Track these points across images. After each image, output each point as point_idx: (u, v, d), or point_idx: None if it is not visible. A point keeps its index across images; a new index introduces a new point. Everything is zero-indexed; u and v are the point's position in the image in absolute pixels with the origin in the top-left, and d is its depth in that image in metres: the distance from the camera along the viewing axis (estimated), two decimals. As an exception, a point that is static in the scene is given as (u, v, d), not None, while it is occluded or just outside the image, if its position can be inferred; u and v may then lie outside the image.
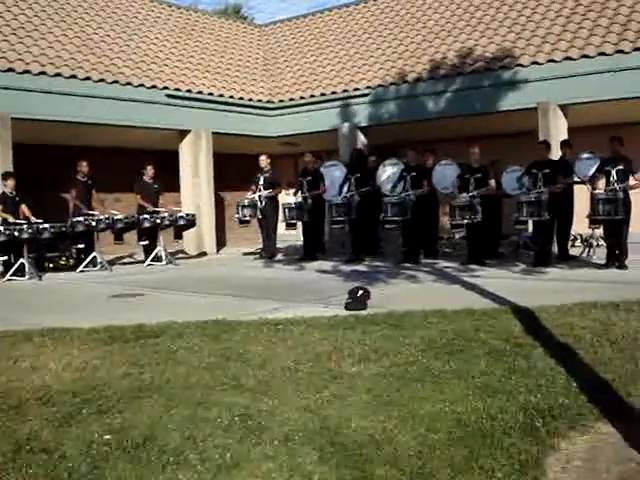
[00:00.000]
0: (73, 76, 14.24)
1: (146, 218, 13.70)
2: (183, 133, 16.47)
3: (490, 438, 3.63)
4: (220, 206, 18.63)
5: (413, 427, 3.81)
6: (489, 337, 5.84)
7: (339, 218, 13.30)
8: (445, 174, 13.16)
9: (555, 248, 12.10)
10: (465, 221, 11.87)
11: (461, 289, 9.08)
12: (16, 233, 11.81)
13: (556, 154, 12.47)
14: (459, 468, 3.29)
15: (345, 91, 16.73)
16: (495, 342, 5.66)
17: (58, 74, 14.02)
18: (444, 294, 8.67)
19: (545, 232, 11.51)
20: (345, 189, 13.43)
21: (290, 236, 16.30)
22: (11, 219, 12.16)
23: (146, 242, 14.10)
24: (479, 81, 14.60)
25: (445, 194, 13.34)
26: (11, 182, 12.47)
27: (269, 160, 14.81)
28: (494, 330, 6.09)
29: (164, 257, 13.90)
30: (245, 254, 16.05)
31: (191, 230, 15.14)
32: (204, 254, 16.34)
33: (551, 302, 7.28)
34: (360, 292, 7.75)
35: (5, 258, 12.13)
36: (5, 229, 11.83)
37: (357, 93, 16.45)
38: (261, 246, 15.30)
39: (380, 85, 16.16)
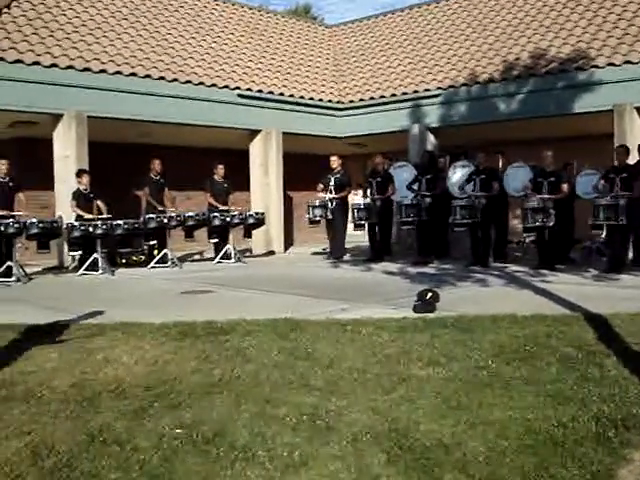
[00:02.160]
0: (147, 76, 14.54)
1: (216, 216, 13.90)
2: (254, 133, 16.63)
3: (561, 447, 3.55)
4: (288, 206, 18.73)
5: (483, 433, 3.76)
6: (561, 344, 5.73)
7: (409, 219, 13.24)
8: (516, 177, 13.01)
9: (630, 254, 11.79)
10: (537, 224, 11.68)
11: (531, 294, 8.92)
12: (90, 229, 12.12)
13: (633, 158, 12.14)
14: (529, 476, 3.23)
15: (415, 92, 16.64)
16: (567, 349, 5.54)
17: (133, 74, 14.33)
18: (514, 299, 8.54)
19: (620, 237, 11.24)
20: (414, 188, 13.37)
21: (357, 237, 16.30)
22: (86, 215, 12.46)
23: (216, 240, 14.30)
24: (553, 83, 14.35)
25: (516, 197, 13.17)
26: (85, 179, 12.78)
27: (340, 161, 14.81)
28: (566, 337, 5.97)
29: (233, 255, 14.06)
30: (313, 254, 16.09)
31: (260, 229, 15.28)
32: (272, 253, 16.47)
33: (625, 309, 7.11)
34: (429, 294, 7.69)
35: (80, 253, 12.44)
36: (80, 225, 12.14)
37: (428, 94, 16.34)
38: (329, 246, 15.33)
39: (451, 86, 16.03)
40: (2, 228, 11.12)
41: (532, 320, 6.73)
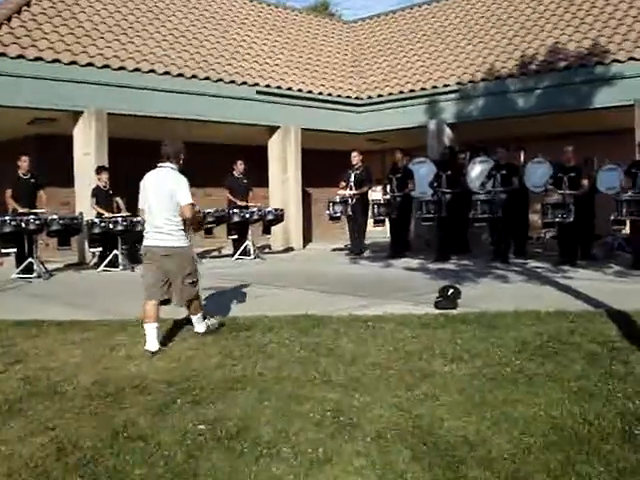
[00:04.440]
0: (166, 72, 14.56)
1: (236, 212, 13.92)
2: (272, 129, 16.62)
3: (587, 444, 3.54)
4: (307, 202, 18.72)
5: (507, 430, 3.75)
6: (584, 340, 5.70)
7: (429, 215, 13.19)
8: (537, 172, 12.93)
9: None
10: (557, 220, 11.61)
11: (553, 290, 8.87)
12: (111, 226, 12.17)
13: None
14: (555, 473, 3.23)
15: (434, 87, 16.56)
16: (591, 346, 5.52)
17: (152, 70, 14.36)
18: (536, 295, 8.48)
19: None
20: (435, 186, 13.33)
21: (377, 232, 16.26)
22: (105, 213, 12.51)
23: (235, 236, 14.32)
24: (572, 77, 14.22)
25: (536, 192, 13.09)
26: (105, 176, 12.82)
27: (361, 157, 14.76)
28: (589, 333, 5.93)
29: (252, 251, 14.08)
30: (333, 250, 16.08)
31: (279, 225, 15.29)
32: (291, 249, 16.47)
33: (649, 305, 7.05)
34: (451, 291, 7.66)
35: (100, 249, 12.50)
36: (100, 222, 12.20)
37: (447, 89, 16.26)
38: (349, 242, 15.32)
39: (470, 81, 15.94)
40: (23, 225, 11.20)
41: (555, 316, 6.69)
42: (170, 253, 6.04)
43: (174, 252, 6.05)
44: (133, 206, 12.82)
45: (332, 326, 6.47)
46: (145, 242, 6.20)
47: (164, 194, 6.07)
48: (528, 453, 3.45)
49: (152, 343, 5.74)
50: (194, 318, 6.35)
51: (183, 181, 6.13)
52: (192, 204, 6.12)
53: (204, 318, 6.47)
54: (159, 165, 6.30)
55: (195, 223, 6.34)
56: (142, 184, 6.36)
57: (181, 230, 6.11)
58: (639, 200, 10.81)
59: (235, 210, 14.00)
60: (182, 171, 6.28)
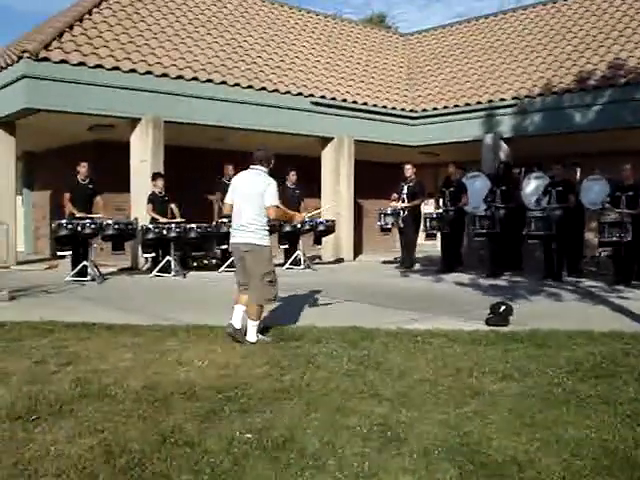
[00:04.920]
0: (223, 82, 14.72)
1: (287, 222, 13.95)
2: (326, 140, 16.67)
3: (639, 470, 3.44)
4: (359, 213, 18.70)
5: (557, 451, 3.67)
6: (639, 362, 5.56)
7: (482, 230, 13.06)
8: (593, 189, 12.73)
9: None
10: (614, 239, 11.39)
11: (607, 310, 8.70)
12: (164, 232, 12.32)
13: None
14: (606, 498, 3.15)
15: (490, 101, 16.43)
16: (645, 368, 5.39)
17: (209, 80, 14.54)
18: (589, 314, 8.33)
19: None
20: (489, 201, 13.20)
21: (428, 246, 16.16)
22: (161, 219, 12.67)
23: (286, 246, 14.38)
24: (632, 93, 13.97)
25: (592, 210, 12.87)
26: (160, 182, 13.01)
27: (414, 169, 14.69)
28: (644, 355, 5.80)
29: (302, 261, 14.11)
30: (384, 262, 16.01)
31: (330, 236, 15.29)
32: (341, 260, 16.46)
33: None
34: (502, 308, 7.57)
35: (153, 255, 12.67)
36: (154, 227, 12.36)
37: (503, 104, 16.11)
38: (399, 255, 15.24)
39: (527, 96, 15.77)
40: (79, 229, 11.41)
41: (609, 337, 6.56)
42: (250, 249, 6.50)
43: (254, 249, 6.50)
44: (186, 213, 13.08)
45: (381, 339, 6.44)
46: (231, 239, 6.73)
47: (253, 194, 6.56)
48: (578, 476, 3.37)
49: (237, 320, 6.49)
50: (249, 323, 6.50)
51: (272, 184, 6.61)
52: (277, 206, 6.61)
53: (261, 332, 6.64)
54: (251, 167, 6.79)
55: (280, 221, 6.68)
56: (233, 182, 6.89)
57: (265, 230, 6.58)
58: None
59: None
60: (272, 175, 6.73)
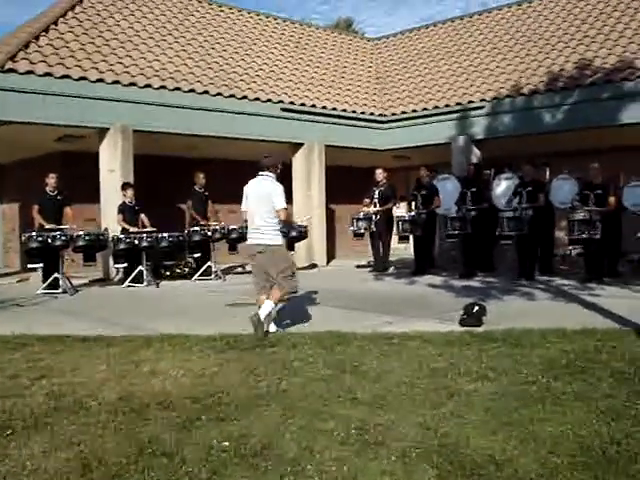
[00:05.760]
0: (192, 90, 14.67)
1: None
2: (296, 146, 16.67)
3: (615, 464, 3.48)
4: (331, 218, 18.72)
5: (534, 449, 3.70)
6: (612, 359, 5.63)
7: (454, 232, 13.14)
8: (563, 188, 12.86)
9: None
10: (584, 237, 11.51)
11: (579, 308, 8.79)
12: (136, 241, 12.25)
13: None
14: (583, 494, 3.18)
15: (459, 104, 16.54)
16: (618, 364, 5.45)
17: (177, 88, 14.47)
18: (562, 313, 8.40)
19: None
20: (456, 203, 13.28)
21: (401, 249, 16.20)
22: (131, 229, 12.59)
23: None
24: (599, 93, 14.13)
25: (562, 209, 13.00)
26: (130, 192, 12.93)
27: (385, 174, 14.77)
28: (617, 352, 5.87)
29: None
30: (358, 267, 16.04)
31: (302, 242, 15.28)
32: (314, 266, 16.45)
33: (678, 324, 6.96)
34: (476, 308, 7.61)
35: (125, 265, 12.57)
36: (125, 237, 12.28)
37: (471, 106, 16.23)
38: (372, 259, 15.28)
39: (495, 98, 15.89)
40: (50, 240, 11.32)
41: (582, 334, 6.62)
42: (264, 250, 7.10)
43: (268, 249, 7.10)
44: (157, 222, 13.01)
45: (356, 343, 6.45)
46: (247, 242, 7.38)
47: (263, 199, 7.16)
48: (556, 473, 3.40)
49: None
50: (267, 302, 7.08)
51: (279, 188, 7.23)
52: (286, 208, 7.19)
53: (274, 321, 7.31)
54: (259, 174, 7.39)
55: (290, 224, 7.52)
56: (245, 190, 7.49)
57: (276, 230, 7.18)
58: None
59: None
60: (279, 180, 7.35)
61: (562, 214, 13.29)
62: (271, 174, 7.34)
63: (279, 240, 7.23)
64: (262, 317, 6.97)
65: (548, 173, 13.69)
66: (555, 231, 13.73)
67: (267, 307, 7.07)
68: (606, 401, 4.51)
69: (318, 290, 10.65)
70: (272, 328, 7.16)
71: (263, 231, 7.11)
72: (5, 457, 3.73)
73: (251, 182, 7.47)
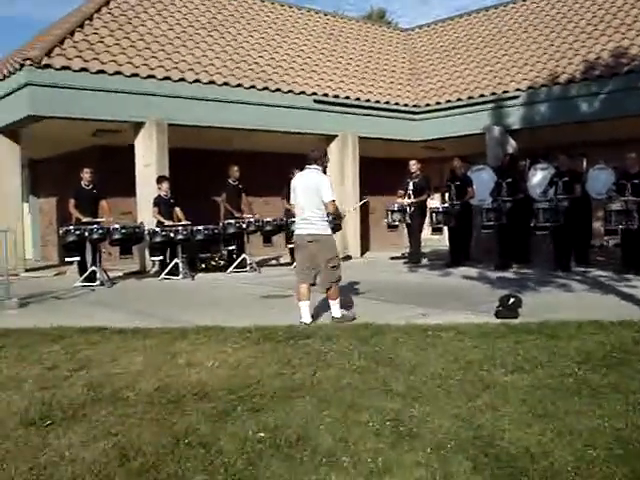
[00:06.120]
0: (225, 83, 14.72)
1: (294, 221, 13.93)
2: (330, 138, 16.65)
3: (653, 457, 3.44)
4: (365, 210, 18.69)
5: (570, 442, 3.67)
6: (650, 351, 5.56)
7: (489, 223, 13.03)
8: (599, 179, 12.71)
9: None
10: (620, 227, 11.37)
11: (617, 299, 8.69)
12: (171, 234, 12.34)
13: None
14: (620, 487, 3.15)
15: (493, 94, 16.39)
16: (657, 356, 5.38)
17: (211, 81, 14.53)
18: (598, 304, 8.32)
19: None
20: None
21: (435, 241, 16.13)
22: (166, 222, 12.69)
23: (293, 245, 14.35)
24: (635, 82, 13.90)
25: (598, 200, 12.84)
26: (165, 185, 13.01)
27: (419, 165, 14.68)
28: (655, 344, 5.79)
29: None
30: (392, 258, 16.01)
31: (337, 233, 15.24)
32: (349, 258, 16.43)
33: None
34: (511, 300, 7.56)
35: (161, 258, 12.68)
36: (161, 230, 12.38)
37: (506, 96, 16.07)
38: (407, 251, 15.23)
39: (530, 87, 15.72)
40: (87, 234, 11.46)
41: (619, 326, 6.55)
42: (315, 239, 7.36)
43: (319, 239, 7.37)
44: (192, 215, 13.10)
45: (391, 335, 6.43)
46: (296, 232, 7.65)
47: (311, 191, 7.37)
48: (592, 466, 3.37)
49: (306, 316, 7.33)
50: (332, 303, 7.48)
51: (327, 181, 7.48)
52: (334, 200, 7.43)
53: (342, 307, 7.61)
54: (306, 167, 7.59)
55: (337, 216, 7.79)
56: (293, 183, 7.72)
57: (325, 221, 7.45)
58: None
59: (293, 219, 14.01)
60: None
61: (599, 204, 13.13)
62: (318, 167, 7.54)
63: (328, 230, 7.52)
64: (338, 316, 7.41)
65: (585, 163, 13.53)
66: (592, 222, 13.57)
67: (335, 309, 7.47)
68: (643, 394, 4.45)
69: (352, 282, 10.65)
70: (338, 313, 7.49)
71: (313, 222, 7.36)
72: (45, 447, 3.80)
73: (298, 175, 7.71)
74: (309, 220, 7.38)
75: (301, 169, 7.71)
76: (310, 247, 7.39)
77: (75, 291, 10.90)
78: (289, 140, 16.29)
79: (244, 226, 13.47)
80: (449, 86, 18.11)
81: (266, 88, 15.33)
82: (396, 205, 14.38)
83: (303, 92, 15.97)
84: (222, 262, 14.03)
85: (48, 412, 4.36)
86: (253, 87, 15.11)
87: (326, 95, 16.40)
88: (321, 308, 8.04)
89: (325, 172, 7.63)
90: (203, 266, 13.79)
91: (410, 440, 3.76)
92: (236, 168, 14.17)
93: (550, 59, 16.43)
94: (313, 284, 7.55)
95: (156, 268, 13.10)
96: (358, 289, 10.20)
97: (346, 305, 8.10)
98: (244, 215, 13.89)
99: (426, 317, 7.53)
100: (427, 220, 14.33)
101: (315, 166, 7.54)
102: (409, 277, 12.37)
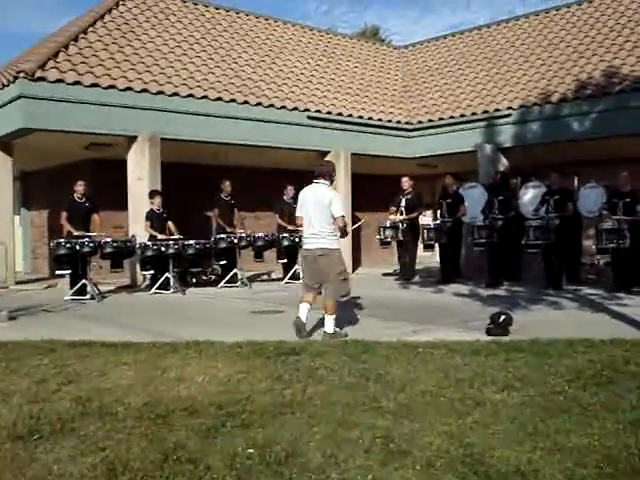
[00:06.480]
0: (219, 98, 14.75)
1: (285, 237, 13.99)
2: (323, 154, 16.66)
3: (642, 476, 3.44)
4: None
5: (560, 460, 3.66)
6: (640, 369, 5.56)
7: (481, 240, 13.06)
8: (590, 197, 12.76)
9: None
10: (612, 246, 11.41)
11: (607, 318, 8.71)
12: (163, 249, 12.33)
13: None
14: (610, 506, 3.15)
15: (485, 112, 16.47)
16: (647, 375, 5.38)
17: (205, 96, 14.56)
18: (589, 322, 8.34)
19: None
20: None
21: (426, 258, 16.14)
22: (159, 236, 12.67)
23: (285, 260, 14.39)
24: (627, 101, 14.01)
25: (590, 218, 12.89)
26: (158, 200, 13.01)
27: (411, 182, 14.73)
28: (645, 362, 5.79)
29: (302, 275, 14.08)
30: (384, 275, 16.01)
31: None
32: (340, 274, 16.40)
33: None
34: (502, 317, 7.56)
35: (152, 272, 12.66)
36: (153, 244, 12.36)
37: (498, 114, 16.15)
38: (398, 267, 15.24)
39: (522, 106, 15.81)
40: (78, 247, 11.43)
41: (609, 345, 6.56)
42: (324, 253, 7.45)
43: (327, 252, 7.45)
44: (184, 229, 13.09)
45: (382, 352, 6.42)
46: (305, 246, 7.68)
47: (321, 205, 7.45)
48: (582, 484, 3.37)
49: (303, 314, 7.51)
50: (327, 317, 7.46)
51: (337, 196, 7.66)
52: (343, 216, 7.52)
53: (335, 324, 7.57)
54: (315, 182, 7.68)
55: (344, 231, 7.63)
56: (301, 196, 7.81)
57: (334, 235, 7.51)
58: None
59: (285, 234, 14.08)
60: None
61: (590, 223, 13.19)
62: (326, 182, 7.64)
63: (337, 244, 7.58)
64: (330, 332, 7.42)
65: (576, 182, 13.59)
66: (583, 240, 13.62)
67: (329, 324, 7.45)
68: (634, 412, 4.45)
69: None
70: (331, 329, 7.48)
71: (323, 236, 7.44)
72: (32, 461, 3.76)
73: (306, 189, 7.77)
74: (319, 235, 7.46)
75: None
76: (320, 261, 7.47)
77: (65, 304, 10.85)
78: (282, 156, 16.33)
79: (235, 241, 13.48)
80: (442, 104, 18.19)
81: (259, 104, 15.37)
82: (389, 222, 14.42)
83: (296, 108, 16.01)
84: (213, 277, 14.02)
85: (36, 426, 4.32)
86: (246, 102, 15.14)
87: (319, 111, 16.45)
88: (314, 324, 8.02)
89: (332, 186, 7.76)
90: (194, 281, 13.78)
91: (400, 457, 3.74)
92: (228, 183, 14.18)
93: (542, 78, 16.54)
94: (319, 293, 7.69)
95: (147, 282, 13.08)
96: (350, 306, 10.16)
97: (340, 323, 8.08)
98: (236, 230, 13.90)
99: (417, 334, 7.53)
100: (419, 237, 14.35)
101: (323, 180, 7.62)
102: (401, 294, 12.37)
